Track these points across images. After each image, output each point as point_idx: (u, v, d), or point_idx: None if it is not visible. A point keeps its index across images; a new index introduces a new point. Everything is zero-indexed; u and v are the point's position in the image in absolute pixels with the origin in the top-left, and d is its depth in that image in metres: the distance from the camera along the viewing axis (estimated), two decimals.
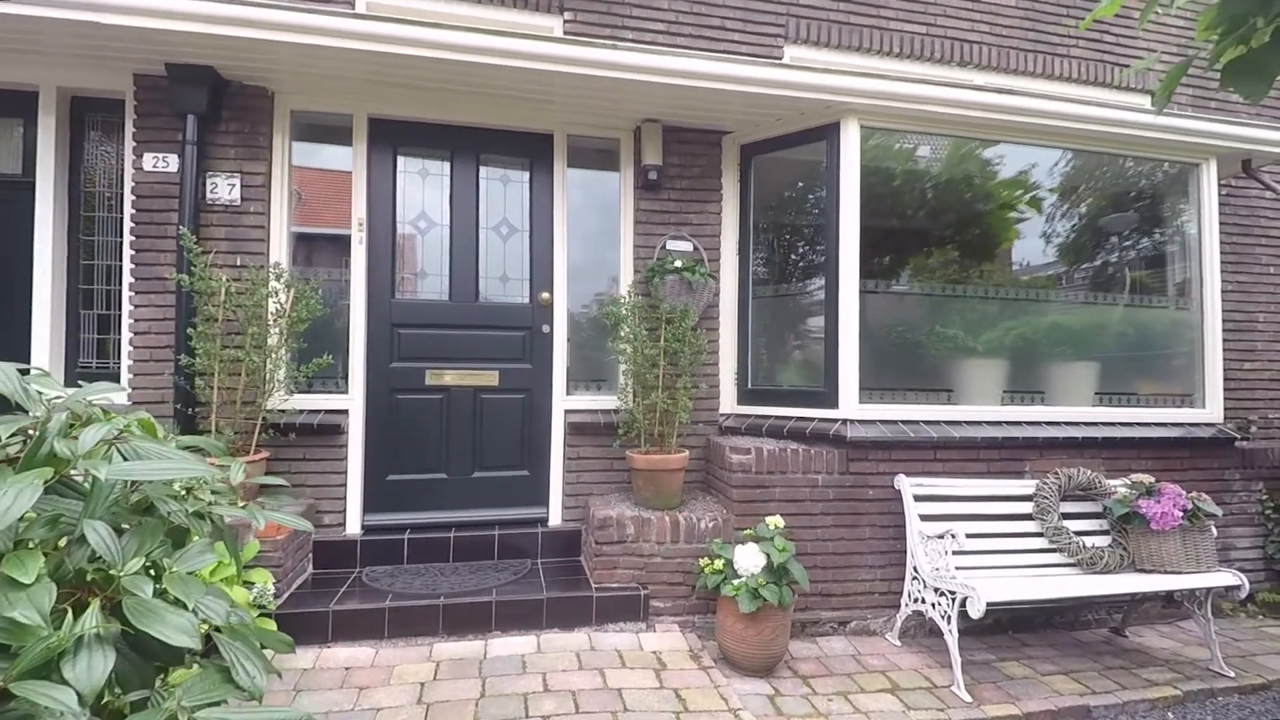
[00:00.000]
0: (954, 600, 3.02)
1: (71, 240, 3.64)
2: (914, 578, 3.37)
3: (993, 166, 4.19)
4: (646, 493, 3.55)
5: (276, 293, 3.41)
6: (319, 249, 3.97)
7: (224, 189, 3.53)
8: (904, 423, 3.65)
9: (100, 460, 1.25)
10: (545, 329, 4.01)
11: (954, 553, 3.17)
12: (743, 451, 3.53)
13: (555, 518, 3.94)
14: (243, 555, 2.90)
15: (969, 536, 3.23)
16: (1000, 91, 3.72)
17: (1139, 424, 3.98)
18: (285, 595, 3.13)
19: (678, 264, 3.79)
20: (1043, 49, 4.87)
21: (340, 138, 3.81)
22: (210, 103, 3.41)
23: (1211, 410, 4.13)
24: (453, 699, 2.56)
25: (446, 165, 3.99)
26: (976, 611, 2.87)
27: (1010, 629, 3.69)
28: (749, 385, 4.10)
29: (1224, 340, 4.21)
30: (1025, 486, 3.58)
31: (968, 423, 3.75)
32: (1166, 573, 3.29)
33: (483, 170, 4.03)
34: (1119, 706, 2.92)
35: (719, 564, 3.14)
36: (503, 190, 4.07)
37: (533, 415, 4.00)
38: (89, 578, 1.25)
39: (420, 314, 3.91)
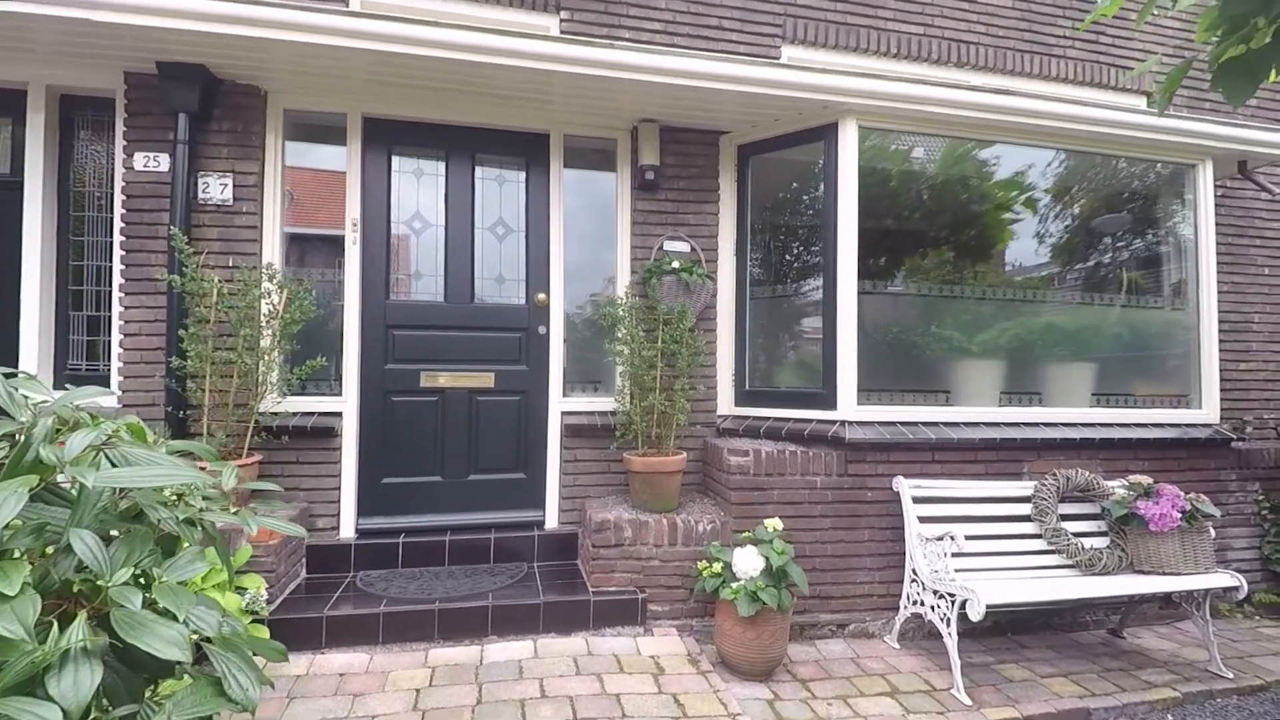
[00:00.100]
0: (954, 603, 3.01)
1: (61, 241, 3.59)
2: (913, 580, 3.35)
3: (989, 167, 4.19)
4: (644, 495, 3.52)
5: (269, 294, 3.36)
6: (312, 250, 3.93)
7: (216, 189, 3.49)
8: (902, 424, 3.64)
9: (87, 467, 1.22)
10: (541, 330, 3.98)
11: (953, 555, 3.15)
12: (741, 453, 3.51)
13: (552, 521, 3.91)
14: (235, 560, 2.86)
15: (967, 538, 3.22)
16: (998, 92, 3.72)
17: (1136, 425, 3.98)
18: (279, 600, 3.09)
19: (675, 265, 3.77)
20: (1039, 50, 4.87)
21: (334, 137, 3.78)
22: (202, 101, 3.37)
23: (1208, 411, 4.14)
24: (448, 705, 2.53)
25: (442, 165, 3.95)
26: (976, 614, 2.86)
27: (1009, 630, 3.69)
28: (746, 387, 4.08)
29: (1219, 341, 4.22)
30: (1023, 488, 3.58)
31: (966, 424, 3.74)
32: (1165, 574, 3.28)
33: (478, 170, 4.00)
34: (1119, 709, 2.91)
35: (717, 567, 3.11)
36: (498, 190, 4.04)
37: (529, 417, 3.97)
38: (76, 588, 1.22)
39: (415, 315, 3.87)
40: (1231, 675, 3.22)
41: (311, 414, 3.63)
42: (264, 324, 3.35)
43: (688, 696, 2.65)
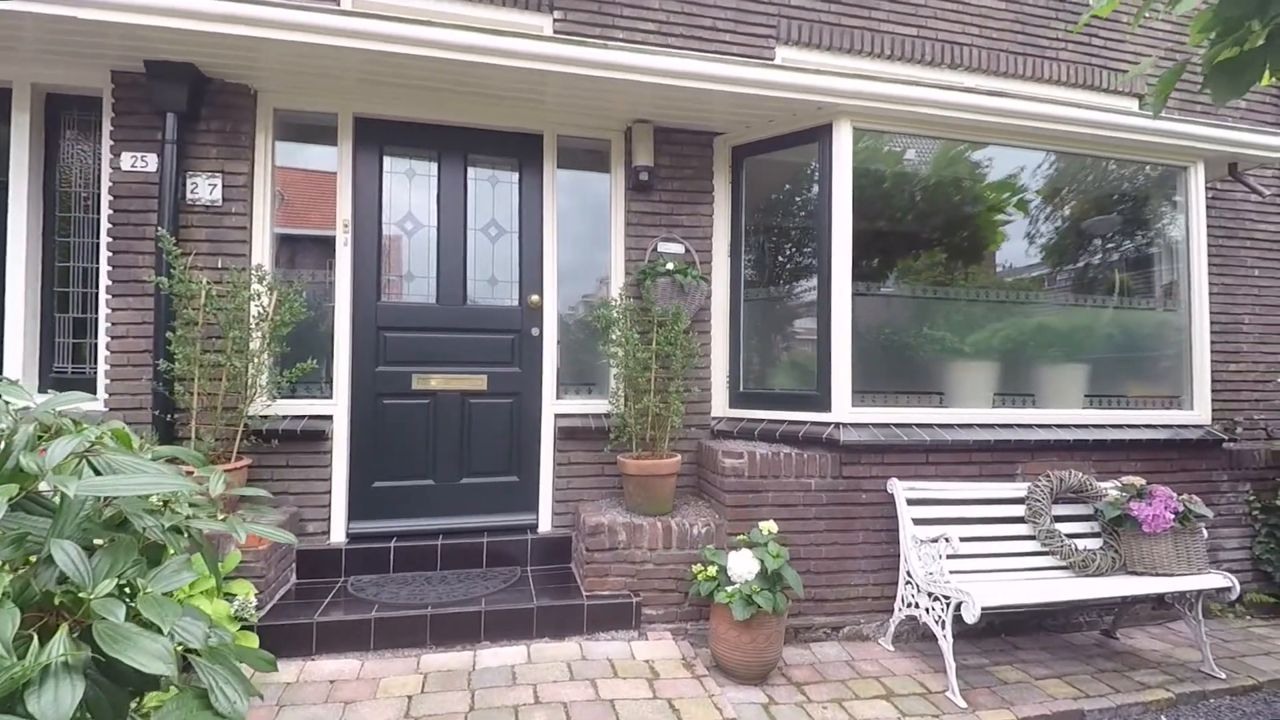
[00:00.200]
0: (948, 605, 3.01)
1: (46, 242, 3.53)
2: (907, 582, 3.35)
3: (982, 169, 4.20)
4: (638, 498, 3.50)
5: (259, 295, 3.32)
6: (303, 251, 3.89)
7: (205, 189, 3.44)
8: (896, 426, 3.64)
9: (69, 475, 1.19)
10: (535, 332, 3.96)
11: (948, 556, 3.15)
12: (735, 456, 3.50)
13: (545, 524, 3.89)
14: (223, 566, 2.83)
15: (962, 540, 3.21)
16: (992, 94, 3.72)
17: (1128, 425, 4.00)
18: (268, 607, 3.05)
19: (669, 266, 3.75)
20: (1032, 52, 4.88)
21: (325, 137, 3.74)
22: (190, 101, 3.33)
23: (1199, 412, 4.16)
24: (441, 713, 2.50)
25: (434, 165, 3.92)
26: (971, 616, 2.85)
27: (1003, 632, 3.69)
28: (741, 389, 4.07)
29: (1210, 342, 4.24)
30: (1017, 489, 3.58)
31: (959, 425, 3.74)
32: (1158, 575, 3.29)
33: (471, 171, 3.97)
34: (1113, 710, 2.92)
35: (712, 570, 3.09)
36: (491, 191, 4.01)
37: (522, 420, 3.94)
38: (57, 600, 1.19)
39: (406, 317, 3.83)
40: (1224, 675, 3.23)
41: (302, 417, 3.59)
42: (253, 326, 3.30)
43: (683, 701, 2.63)
